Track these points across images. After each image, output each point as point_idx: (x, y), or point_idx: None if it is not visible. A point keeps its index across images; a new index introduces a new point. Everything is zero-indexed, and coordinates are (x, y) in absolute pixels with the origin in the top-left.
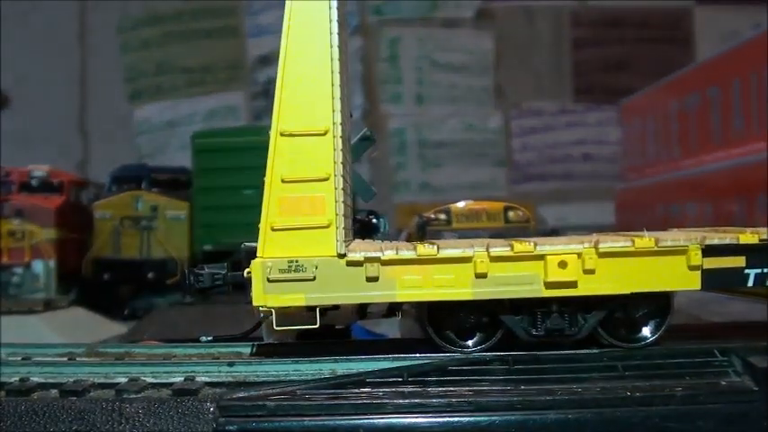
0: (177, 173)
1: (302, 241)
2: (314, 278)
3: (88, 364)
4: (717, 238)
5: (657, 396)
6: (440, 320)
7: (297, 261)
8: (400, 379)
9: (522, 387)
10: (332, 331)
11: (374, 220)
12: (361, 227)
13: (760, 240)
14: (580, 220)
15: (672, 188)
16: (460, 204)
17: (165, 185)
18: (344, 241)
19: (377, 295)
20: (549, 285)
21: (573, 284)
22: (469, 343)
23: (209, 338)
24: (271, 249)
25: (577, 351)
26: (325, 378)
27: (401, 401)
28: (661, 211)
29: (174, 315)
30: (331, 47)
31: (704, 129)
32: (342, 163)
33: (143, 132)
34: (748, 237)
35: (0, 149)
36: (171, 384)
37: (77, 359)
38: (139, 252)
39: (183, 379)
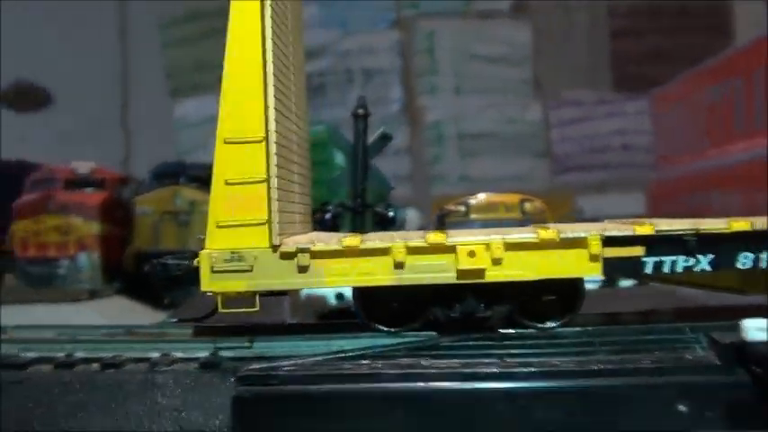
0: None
1: (243, 235)
2: (252, 268)
3: (126, 341)
4: (616, 229)
5: (626, 368)
6: (371, 306)
7: (238, 253)
8: (398, 353)
9: (507, 360)
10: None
11: (390, 213)
12: (379, 219)
13: (656, 231)
14: (619, 211)
15: (702, 178)
16: (479, 197)
17: (202, 181)
18: (288, 234)
19: (308, 282)
20: (460, 273)
21: (482, 272)
22: (397, 325)
23: (175, 320)
24: (216, 242)
25: (558, 329)
26: (331, 352)
27: (397, 372)
28: (692, 202)
29: (208, 301)
30: (265, 55)
31: (732, 118)
32: (278, 166)
33: (182, 128)
34: (645, 228)
35: (45, 148)
36: (198, 359)
37: (117, 338)
38: (178, 245)
39: (208, 354)
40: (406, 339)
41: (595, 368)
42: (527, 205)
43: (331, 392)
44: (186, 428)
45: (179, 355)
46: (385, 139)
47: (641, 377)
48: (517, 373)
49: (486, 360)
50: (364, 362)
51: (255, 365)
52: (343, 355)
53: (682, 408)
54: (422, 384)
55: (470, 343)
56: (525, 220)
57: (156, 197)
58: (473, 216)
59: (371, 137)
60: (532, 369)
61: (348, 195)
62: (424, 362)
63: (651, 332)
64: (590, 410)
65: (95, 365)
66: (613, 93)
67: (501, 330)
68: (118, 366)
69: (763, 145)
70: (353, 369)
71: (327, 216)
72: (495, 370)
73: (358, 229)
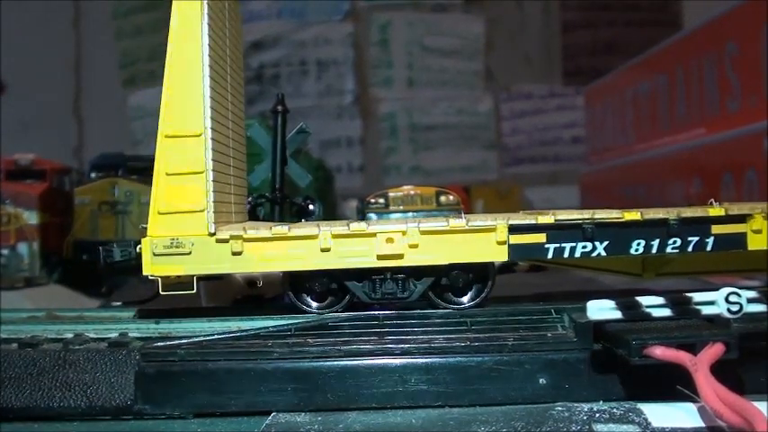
0: (153, 161)
1: (182, 223)
2: (190, 253)
3: (43, 323)
4: (519, 219)
5: (492, 345)
6: (299, 288)
7: (177, 239)
8: (288, 333)
9: (387, 338)
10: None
11: (310, 206)
12: (299, 210)
13: (555, 221)
14: (568, 203)
15: (629, 171)
16: (399, 189)
17: (142, 173)
18: (224, 222)
19: (241, 266)
20: (380, 257)
21: (400, 256)
22: (324, 305)
23: (118, 303)
24: (157, 229)
25: (433, 311)
26: (228, 332)
27: (285, 350)
28: (618, 193)
29: (141, 289)
30: (202, 52)
31: (659, 113)
32: (214, 159)
33: (137, 118)
34: (546, 218)
35: None
36: (108, 338)
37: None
38: (115, 234)
39: (117, 334)
40: (297, 320)
41: (465, 345)
42: (442, 198)
43: (225, 368)
44: (94, 401)
45: (91, 335)
46: (302, 133)
47: (506, 353)
48: (393, 350)
49: (367, 338)
50: (256, 341)
51: (158, 343)
52: (238, 334)
53: (542, 380)
54: (307, 361)
55: (354, 323)
56: (441, 211)
57: (94, 188)
58: (392, 208)
59: (290, 132)
60: (408, 346)
61: (268, 187)
62: (310, 340)
63: (520, 313)
64: (460, 383)
65: (14, 345)
66: (564, 86)
67: (383, 312)
68: (34, 346)
69: (681, 140)
70: (246, 347)
71: (247, 207)
72: (372, 347)
73: (277, 219)
